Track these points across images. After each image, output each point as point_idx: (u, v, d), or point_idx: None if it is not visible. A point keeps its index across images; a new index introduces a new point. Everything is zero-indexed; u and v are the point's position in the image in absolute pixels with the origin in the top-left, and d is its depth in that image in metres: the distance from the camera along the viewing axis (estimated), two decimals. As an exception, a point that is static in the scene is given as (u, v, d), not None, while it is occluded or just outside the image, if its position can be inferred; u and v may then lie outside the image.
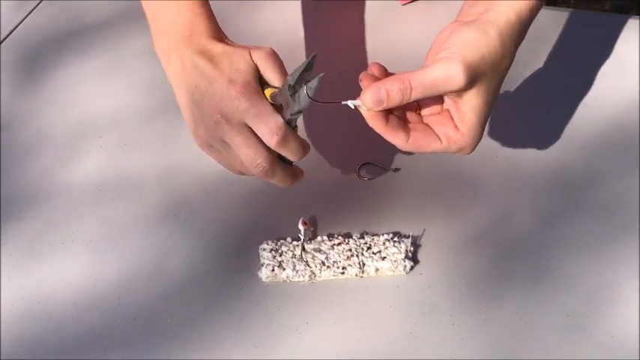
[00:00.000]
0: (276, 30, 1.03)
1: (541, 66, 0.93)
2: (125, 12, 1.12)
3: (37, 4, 1.15)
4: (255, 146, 0.69)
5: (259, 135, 0.69)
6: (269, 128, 0.68)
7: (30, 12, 1.14)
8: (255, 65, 0.71)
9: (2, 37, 1.11)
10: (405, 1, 1.04)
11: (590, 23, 0.98)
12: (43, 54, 1.07)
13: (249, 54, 0.72)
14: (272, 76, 0.71)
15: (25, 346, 0.75)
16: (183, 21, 0.75)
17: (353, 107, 0.67)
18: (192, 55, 0.73)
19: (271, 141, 0.68)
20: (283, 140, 0.68)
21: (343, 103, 0.67)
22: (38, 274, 0.80)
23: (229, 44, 0.74)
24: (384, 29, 1.02)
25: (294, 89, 0.67)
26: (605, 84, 0.91)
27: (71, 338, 0.75)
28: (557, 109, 0.89)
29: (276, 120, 0.68)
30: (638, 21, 0.97)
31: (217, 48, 0.72)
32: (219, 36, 0.75)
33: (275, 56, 0.72)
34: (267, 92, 0.71)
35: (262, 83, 0.71)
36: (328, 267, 0.75)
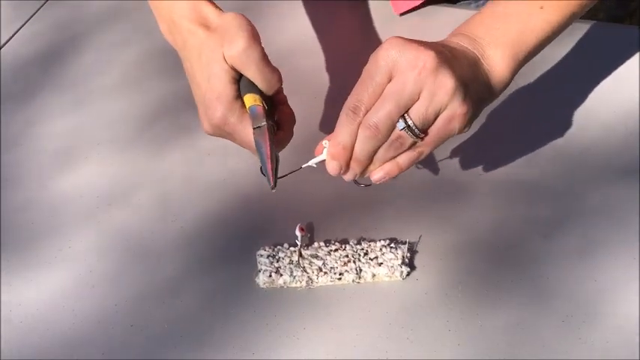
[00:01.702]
0: (270, 39, 1.03)
1: (536, 74, 0.93)
2: (122, 19, 1.12)
3: (34, 14, 1.16)
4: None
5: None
6: (246, 147, 0.71)
7: (27, 21, 1.15)
8: (230, 66, 0.69)
9: (1, 44, 1.11)
10: (401, 11, 1.05)
11: (585, 32, 0.98)
12: (41, 61, 1.08)
13: (223, 56, 0.69)
14: (251, 77, 0.70)
15: (24, 353, 0.74)
16: (166, 6, 0.75)
17: (316, 165, 0.70)
18: (179, 46, 0.73)
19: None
20: None
21: (304, 166, 0.70)
22: (36, 282, 0.80)
23: (209, 30, 0.71)
24: (380, 39, 1.02)
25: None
26: (602, 92, 0.91)
27: (69, 345, 0.74)
28: (553, 116, 0.89)
29: (250, 145, 0.69)
30: (633, 30, 0.97)
31: (194, 39, 0.71)
32: (199, 17, 0.72)
33: (249, 51, 0.68)
34: (248, 99, 0.70)
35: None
36: (325, 273, 0.75)
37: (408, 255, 0.76)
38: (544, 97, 0.91)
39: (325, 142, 0.68)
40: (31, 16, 1.15)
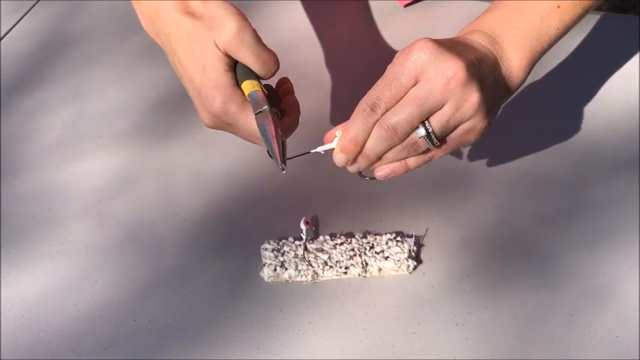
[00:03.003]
0: (274, 31, 1.03)
1: (539, 67, 0.92)
2: (122, 11, 1.11)
3: (34, 5, 1.15)
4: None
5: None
6: (249, 138, 0.69)
7: (27, 12, 1.14)
8: (224, 53, 0.67)
9: (2, 35, 1.10)
10: (405, 2, 1.04)
11: (589, 23, 0.98)
12: (43, 53, 1.07)
13: (215, 43, 0.66)
14: (246, 61, 0.67)
15: (25, 347, 0.74)
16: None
17: (323, 152, 0.68)
18: (164, 39, 0.71)
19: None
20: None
21: (313, 151, 0.68)
22: (37, 275, 0.79)
23: (196, 18, 0.68)
24: (384, 31, 1.02)
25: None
26: (605, 84, 0.91)
27: (71, 340, 0.74)
28: (557, 109, 0.89)
29: (254, 133, 0.68)
30: (634, 20, 0.97)
31: (181, 29, 0.68)
32: (184, 6, 0.69)
33: (242, 34, 0.66)
34: (246, 86, 0.68)
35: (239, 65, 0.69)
36: (331, 267, 0.75)
37: (415, 249, 0.76)
38: (548, 90, 0.91)
39: (338, 132, 0.66)
40: (32, 7, 1.14)
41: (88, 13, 1.12)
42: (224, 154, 0.88)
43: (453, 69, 0.61)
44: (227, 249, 0.79)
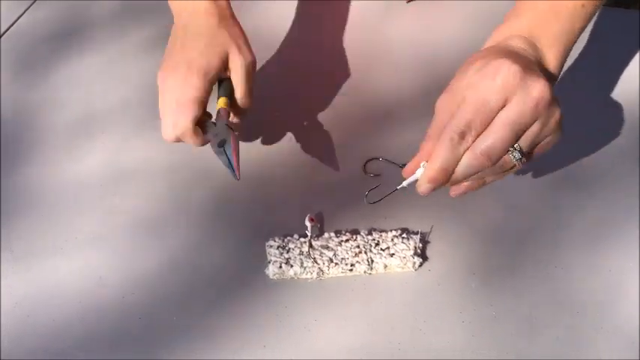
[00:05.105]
0: (271, 27, 1.02)
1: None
2: (126, 7, 1.11)
3: (34, 1, 1.14)
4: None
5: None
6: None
7: (28, 7, 1.13)
8: (226, 68, 0.79)
9: (2, 32, 1.10)
10: (410, -1, 1.04)
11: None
12: (44, 50, 1.06)
13: (240, 55, 0.79)
14: (243, 86, 0.80)
15: (29, 345, 0.74)
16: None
17: (407, 186, 0.68)
18: (178, 25, 0.82)
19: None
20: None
21: (399, 187, 0.68)
22: (41, 273, 0.79)
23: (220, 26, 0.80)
24: (388, 27, 1.02)
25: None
26: (605, 78, 0.90)
27: (75, 337, 0.74)
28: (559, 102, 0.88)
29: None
30: (637, 14, 0.97)
31: (201, 24, 0.80)
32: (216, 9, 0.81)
33: (251, 70, 0.80)
34: (221, 102, 0.79)
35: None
36: (336, 264, 0.75)
37: (420, 245, 0.75)
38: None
39: (423, 164, 0.65)
40: (32, 3, 1.14)
41: (92, 9, 1.12)
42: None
43: (538, 90, 0.62)
44: (232, 246, 0.79)
